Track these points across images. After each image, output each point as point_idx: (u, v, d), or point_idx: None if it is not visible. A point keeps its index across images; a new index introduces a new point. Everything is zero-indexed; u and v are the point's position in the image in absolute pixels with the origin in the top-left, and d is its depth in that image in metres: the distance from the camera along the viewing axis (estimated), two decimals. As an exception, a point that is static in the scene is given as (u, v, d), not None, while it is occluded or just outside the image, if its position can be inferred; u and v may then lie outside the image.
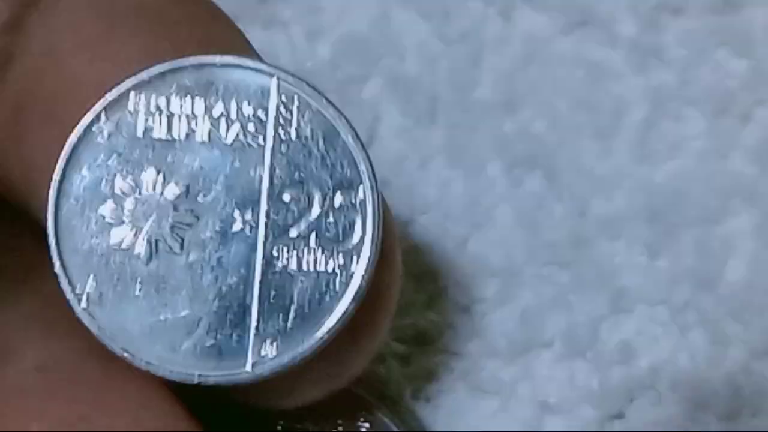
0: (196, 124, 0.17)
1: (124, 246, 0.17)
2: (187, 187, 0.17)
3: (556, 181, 0.24)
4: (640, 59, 0.24)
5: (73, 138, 0.16)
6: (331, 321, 0.17)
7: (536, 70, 0.24)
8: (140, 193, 0.17)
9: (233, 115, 0.17)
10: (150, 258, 0.17)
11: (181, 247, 0.17)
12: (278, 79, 0.17)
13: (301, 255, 0.17)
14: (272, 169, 0.17)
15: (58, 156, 0.16)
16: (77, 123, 0.16)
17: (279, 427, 0.21)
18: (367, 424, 0.22)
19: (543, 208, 0.24)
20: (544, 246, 0.24)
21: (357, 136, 0.17)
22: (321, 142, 0.17)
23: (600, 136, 0.24)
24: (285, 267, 0.17)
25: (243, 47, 0.18)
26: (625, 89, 0.24)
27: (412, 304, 0.23)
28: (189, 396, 0.17)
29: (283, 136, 0.17)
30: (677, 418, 0.23)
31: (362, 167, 0.17)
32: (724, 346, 0.23)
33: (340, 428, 0.21)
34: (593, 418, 0.23)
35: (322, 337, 0.17)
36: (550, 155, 0.24)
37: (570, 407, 0.23)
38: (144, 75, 0.16)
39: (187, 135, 0.17)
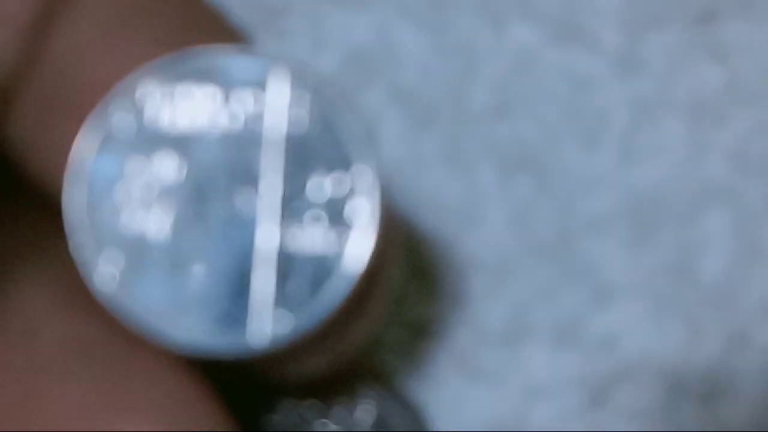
0: (201, 111, 0.17)
1: (137, 227, 0.17)
2: (195, 172, 0.17)
3: (545, 183, 0.25)
4: (623, 69, 0.26)
5: (84, 127, 0.17)
6: (336, 295, 0.17)
7: (526, 79, 0.26)
8: (150, 178, 0.17)
9: (235, 102, 0.17)
10: (164, 238, 0.17)
11: (192, 227, 0.17)
12: (278, 65, 0.17)
13: (303, 232, 0.17)
14: (275, 152, 0.17)
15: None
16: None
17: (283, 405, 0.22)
18: (370, 402, 0.23)
19: (532, 207, 0.25)
20: (533, 242, 0.25)
21: (359, 119, 0.17)
22: (323, 125, 0.17)
23: (585, 141, 0.25)
24: (287, 244, 0.17)
25: (246, 40, 0.19)
26: (608, 97, 0.25)
27: (407, 295, 0.25)
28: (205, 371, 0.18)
29: (284, 121, 0.17)
30: (658, 403, 0.24)
31: (365, 149, 0.17)
32: (702, 335, 0.24)
33: (345, 404, 0.22)
34: (579, 403, 0.24)
35: (329, 310, 0.17)
36: (539, 159, 0.25)
37: (557, 392, 0.24)
38: (150, 65, 0.17)
39: (193, 122, 0.17)
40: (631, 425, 0.24)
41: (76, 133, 0.17)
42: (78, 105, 0.18)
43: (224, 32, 0.19)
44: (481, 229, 0.25)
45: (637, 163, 0.25)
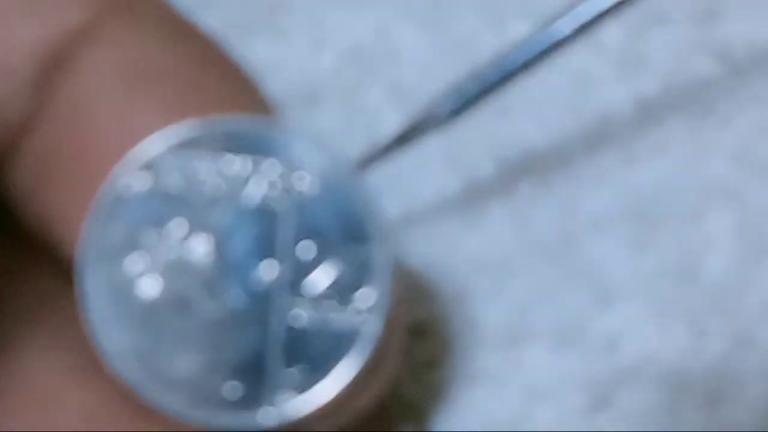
0: (218, 182, 0.18)
1: (150, 300, 0.18)
2: (210, 242, 0.18)
3: (546, 182, 0.26)
4: (625, 67, 0.26)
5: (100, 196, 0.17)
6: (347, 373, 0.18)
7: (528, 77, 0.26)
8: (166, 250, 0.18)
9: (252, 173, 0.18)
10: (175, 312, 0.18)
11: (204, 301, 0.18)
12: (292, 136, 0.18)
13: (316, 307, 0.18)
14: (286, 223, 0.18)
15: (86, 213, 0.17)
16: (103, 181, 0.17)
17: None
18: None
19: (533, 207, 0.25)
20: (535, 243, 0.25)
21: (370, 189, 0.18)
22: (334, 197, 0.18)
23: (587, 140, 0.26)
24: (301, 320, 0.18)
25: (262, 105, 0.19)
26: (611, 95, 0.26)
27: (408, 298, 0.25)
28: None
29: (296, 192, 0.18)
30: (661, 404, 0.24)
31: (376, 220, 0.18)
32: (705, 336, 0.24)
33: None
34: (581, 405, 0.24)
35: (339, 387, 0.18)
36: (541, 158, 0.26)
37: (559, 394, 0.24)
38: (169, 134, 0.17)
39: (211, 193, 0.18)
40: (634, 428, 0.24)
41: (78, 193, 0.18)
42: (80, 165, 0.18)
43: (243, 95, 0.19)
44: (481, 229, 0.25)
45: (639, 163, 0.26)
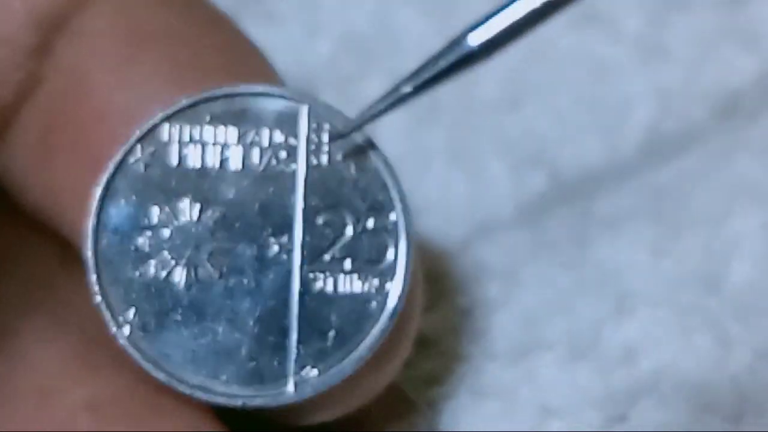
0: (229, 152, 0.18)
1: (163, 275, 0.17)
2: (223, 215, 0.18)
3: (560, 181, 0.25)
4: (645, 56, 0.25)
5: (109, 170, 0.17)
6: (369, 341, 0.18)
7: (540, 66, 0.25)
8: (177, 222, 0.17)
9: (265, 143, 0.18)
10: (189, 285, 0.18)
11: (220, 273, 0.18)
12: (308, 106, 0.18)
13: (337, 277, 0.18)
14: (305, 194, 0.18)
15: (88, 183, 0.17)
16: (108, 153, 0.17)
17: None
18: None
19: (546, 208, 0.24)
20: (547, 246, 0.24)
21: (387, 160, 0.18)
22: (352, 167, 0.18)
23: (604, 135, 0.25)
24: (322, 290, 0.18)
25: (268, 72, 0.19)
26: (630, 87, 0.25)
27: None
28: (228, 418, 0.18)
29: (314, 162, 0.18)
30: (681, 420, 0.23)
31: (393, 190, 0.18)
32: (729, 347, 0.24)
33: None
34: (596, 421, 0.24)
35: (361, 357, 0.18)
36: (554, 154, 0.25)
37: (572, 410, 0.24)
38: (176, 106, 0.17)
39: (221, 163, 0.18)
40: (652, 444, 0.23)
41: (80, 164, 0.18)
42: (81, 136, 0.18)
43: (247, 61, 0.19)
44: (490, 233, 0.24)
45: (660, 160, 0.25)
